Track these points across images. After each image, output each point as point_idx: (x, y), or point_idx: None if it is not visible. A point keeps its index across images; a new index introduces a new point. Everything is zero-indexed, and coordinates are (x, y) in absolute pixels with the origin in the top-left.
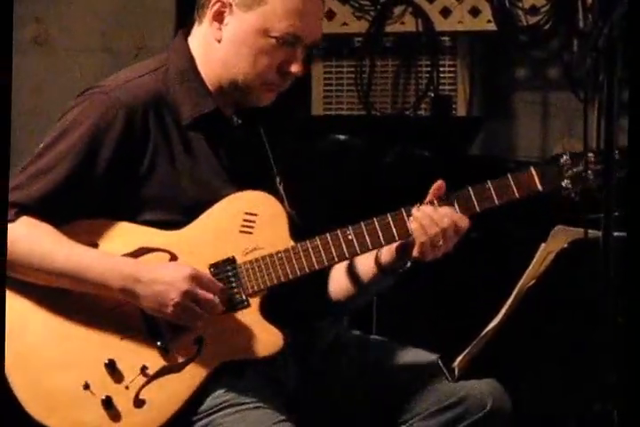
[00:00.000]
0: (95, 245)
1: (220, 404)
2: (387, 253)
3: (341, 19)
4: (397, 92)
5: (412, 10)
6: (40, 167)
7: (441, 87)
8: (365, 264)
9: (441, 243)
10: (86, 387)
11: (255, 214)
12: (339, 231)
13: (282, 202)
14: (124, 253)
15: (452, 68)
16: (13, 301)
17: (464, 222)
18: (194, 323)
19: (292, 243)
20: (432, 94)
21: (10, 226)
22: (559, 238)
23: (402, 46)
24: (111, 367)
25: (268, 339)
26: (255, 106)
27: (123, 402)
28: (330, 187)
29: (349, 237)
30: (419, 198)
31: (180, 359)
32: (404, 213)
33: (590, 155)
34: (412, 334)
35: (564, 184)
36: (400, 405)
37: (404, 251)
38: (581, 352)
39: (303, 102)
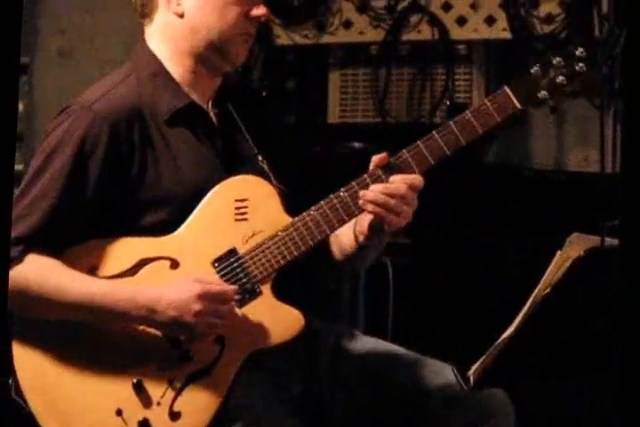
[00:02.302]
0: (97, 267)
1: (231, 414)
2: (361, 233)
3: (358, 27)
4: (413, 99)
5: (428, 18)
6: (35, 195)
7: (456, 95)
8: (349, 239)
9: (405, 208)
10: (119, 413)
11: (246, 199)
12: (332, 196)
13: (269, 179)
14: (126, 268)
15: (467, 76)
16: (28, 350)
17: (418, 180)
18: (217, 331)
19: (289, 219)
20: (448, 102)
21: (18, 267)
22: (575, 246)
23: (418, 54)
24: (139, 388)
25: (289, 320)
26: (235, 65)
27: (159, 419)
28: None
29: (347, 199)
30: (433, 206)
31: (206, 363)
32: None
33: (558, 59)
34: (427, 339)
35: (540, 96)
36: (402, 417)
37: (377, 227)
38: (596, 361)
39: (320, 110)
